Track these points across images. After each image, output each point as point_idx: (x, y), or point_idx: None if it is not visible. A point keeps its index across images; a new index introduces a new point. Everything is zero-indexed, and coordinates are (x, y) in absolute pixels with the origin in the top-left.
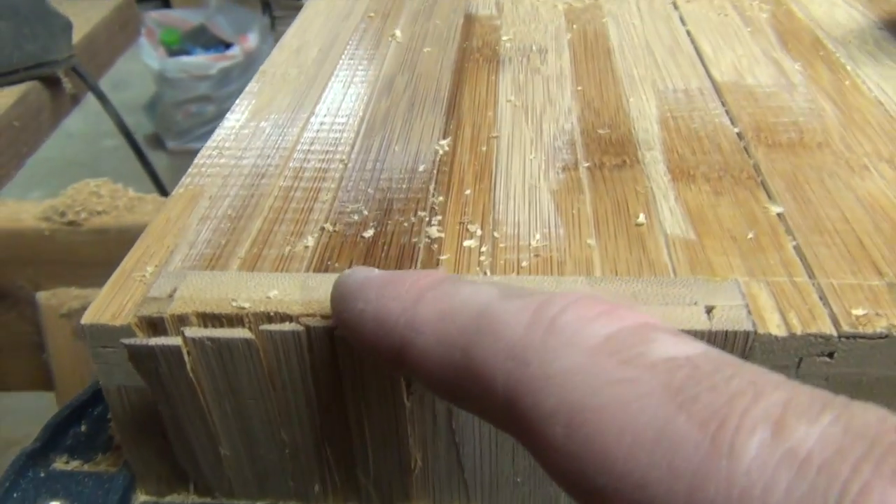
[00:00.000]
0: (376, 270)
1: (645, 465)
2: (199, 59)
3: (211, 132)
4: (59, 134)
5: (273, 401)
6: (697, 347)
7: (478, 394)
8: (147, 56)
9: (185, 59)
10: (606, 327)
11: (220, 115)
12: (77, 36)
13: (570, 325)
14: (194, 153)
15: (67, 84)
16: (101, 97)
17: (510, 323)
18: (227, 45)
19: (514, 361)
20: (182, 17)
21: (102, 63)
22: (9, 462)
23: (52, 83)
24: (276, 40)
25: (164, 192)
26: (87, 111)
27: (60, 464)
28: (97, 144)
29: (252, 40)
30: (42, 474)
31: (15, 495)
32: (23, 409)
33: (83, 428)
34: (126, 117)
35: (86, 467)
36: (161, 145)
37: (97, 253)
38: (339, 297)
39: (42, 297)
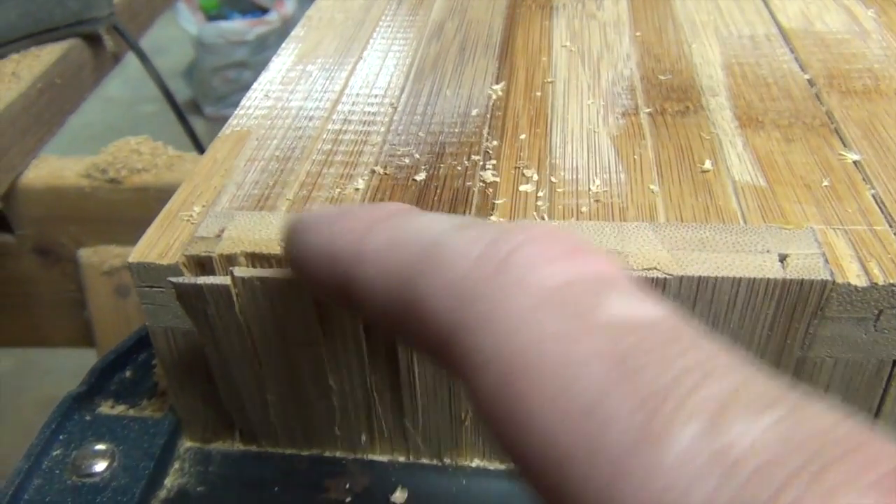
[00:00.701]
0: (332, 207)
1: (569, 441)
2: (237, 25)
3: None
4: (98, 99)
5: (322, 347)
6: (657, 311)
7: (418, 329)
8: (185, 21)
9: (222, 24)
10: (563, 273)
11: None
12: None
13: (524, 264)
14: None
15: (109, 42)
16: (142, 56)
17: (459, 255)
18: (265, 11)
19: (458, 299)
20: None
21: (142, 24)
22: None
23: (93, 41)
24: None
25: (202, 152)
26: (126, 76)
27: (106, 408)
28: (136, 109)
29: (289, 6)
30: (88, 418)
31: (61, 437)
32: (62, 368)
33: (128, 374)
34: (154, 82)
35: (131, 412)
36: (198, 111)
37: (138, 211)
38: (292, 231)
39: (84, 254)
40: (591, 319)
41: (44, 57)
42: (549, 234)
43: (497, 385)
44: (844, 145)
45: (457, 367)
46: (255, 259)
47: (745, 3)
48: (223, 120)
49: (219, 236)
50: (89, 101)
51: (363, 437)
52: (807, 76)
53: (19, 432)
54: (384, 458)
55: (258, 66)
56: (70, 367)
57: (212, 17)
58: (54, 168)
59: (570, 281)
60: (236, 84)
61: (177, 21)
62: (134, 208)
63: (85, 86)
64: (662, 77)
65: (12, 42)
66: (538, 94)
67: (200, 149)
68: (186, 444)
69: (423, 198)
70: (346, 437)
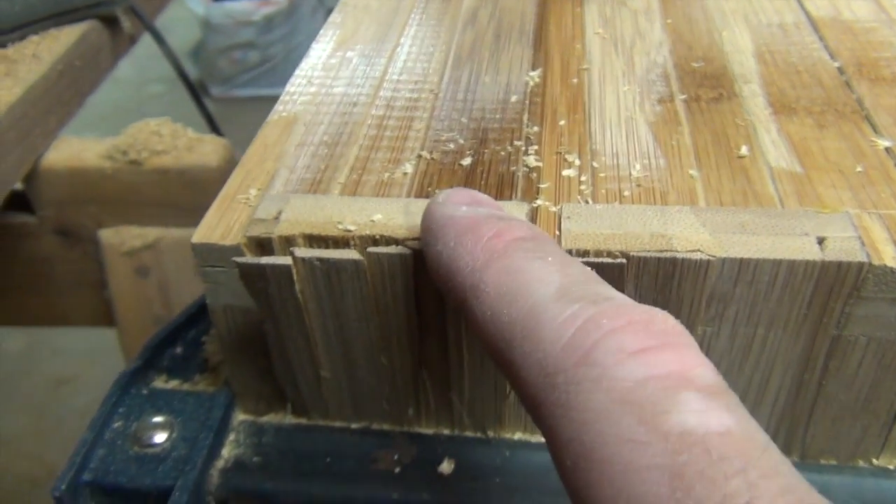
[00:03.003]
0: (463, 208)
1: None
2: (244, 5)
3: (255, 79)
4: (107, 79)
5: (375, 323)
6: (722, 422)
7: (512, 382)
8: (192, 1)
9: (229, 4)
10: (640, 370)
11: (263, 62)
12: None
13: (604, 360)
14: (238, 100)
15: (125, 23)
16: (158, 37)
17: (552, 336)
18: None
19: (547, 379)
20: None
21: (157, 4)
22: (60, 400)
23: (110, 22)
24: None
25: (218, 132)
26: (133, 56)
27: (160, 382)
28: (144, 90)
29: None
30: (144, 392)
31: (120, 410)
32: (73, 348)
33: (179, 350)
34: (170, 63)
35: (185, 387)
36: (205, 92)
37: (158, 192)
38: (425, 229)
39: (104, 234)
40: (659, 426)
41: (63, 38)
42: (636, 324)
43: (572, 468)
44: (876, 132)
45: (542, 432)
46: (313, 240)
47: None
48: (230, 100)
49: (276, 218)
50: None
51: (410, 411)
52: (836, 64)
53: (31, 411)
54: (430, 431)
55: (265, 47)
56: (80, 347)
57: None
58: (75, 149)
59: (646, 379)
60: (243, 65)
61: (183, 1)
62: (154, 190)
63: (102, 67)
64: (695, 64)
65: (32, 23)
66: (574, 80)
67: (215, 127)
68: (240, 416)
69: (470, 182)
70: (394, 411)
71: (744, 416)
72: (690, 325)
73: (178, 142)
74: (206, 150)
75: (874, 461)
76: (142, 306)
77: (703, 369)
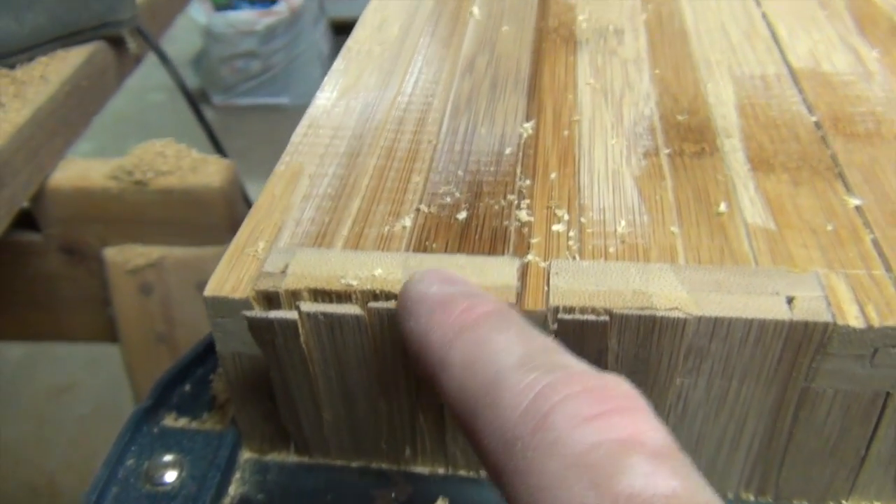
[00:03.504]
0: (436, 286)
1: None
2: (246, 15)
3: (256, 88)
4: None
5: (375, 371)
6: (669, 484)
7: (478, 452)
8: (194, 10)
9: (231, 14)
10: (593, 435)
11: (264, 71)
12: None
13: (560, 425)
14: (239, 109)
15: (131, 43)
16: (163, 57)
17: (511, 403)
18: (273, 1)
19: (506, 446)
20: None
21: (162, 23)
22: (60, 408)
23: (116, 43)
24: None
25: (221, 150)
26: None
27: (170, 420)
28: (144, 99)
29: None
30: (155, 430)
31: (133, 448)
32: (73, 356)
33: (187, 388)
34: (174, 82)
35: (194, 424)
36: (206, 100)
37: (162, 212)
38: (401, 307)
39: (109, 253)
40: (609, 490)
41: (70, 59)
42: (591, 390)
43: None
44: (847, 190)
45: (505, 498)
46: (317, 294)
47: (757, 41)
48: (231, 109)
49: (283, 272)
50: None
51: (407, 451)
52: (814, 118)
53: (32, 419)
54: (426, 471)
55: (266, 56)
56: (81, 355)
57: (221, 6)
58: (81, 169)
59: (598, 444)
60: (244, 73)
61: (185, 10)
62: (158, 209)
63: (109, 87)
64: (680, 117)
65: (40, 45)
66: (566, 132)
67: (219, 146)
68: (245, 454)
69: (465, 236)
70: (391, 451)
71: (691, 478)
72: (669, 377)
73: (183, 162)
74: (209, 170)
75: (843, 502)
76: (144, 323)
77: (654, 433)
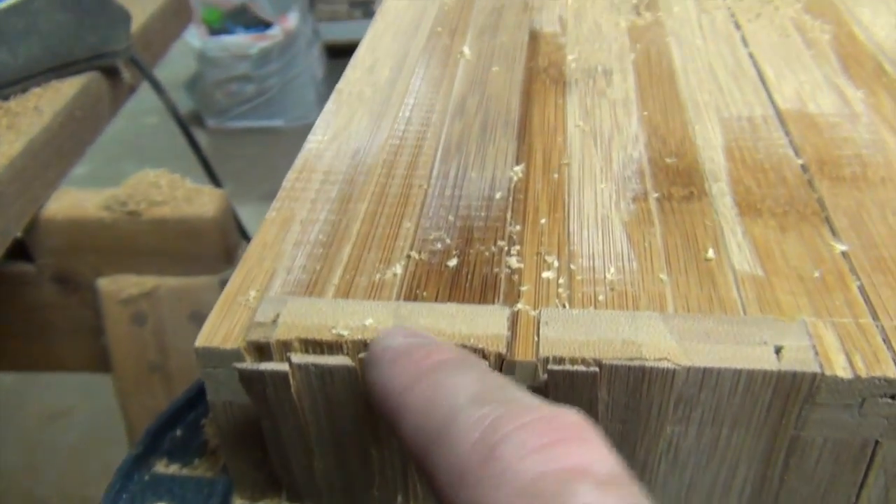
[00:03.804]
0: (399, 338)
1: None
2: (240, 39)
3: (250, 111)
4: None
5: (366, 419)
6: None
7: (434, 491)
8: (188, 34)
9: (225, 38)
10: (540, 465)
11: (258, 95)
12: (134, 26)
13: (508, 456)
14: (234, 132)
15: (126, 74)
16: (157, 87)
17: (462, 438)
18: (268, 25)
19: (458, 478)
20: None
21: (157, 52)
22: (52, 434)
23: (110, 73)
24: (316, 20)
25: (214, 178)
26: None
27: (161, 466)
28: (139, 121)
29: (292, 20)
30: (146, 477)
31: (124, 496)
32: (65, 382)
33: (179, 433)
34: (169, 112)
35: (185, 471)
36: (201, 123)
37: (156, 242)
38: (366, 362)
39: (102, 283)
40: None
41: (64, 90)
42: (540, 421)
43: None
44: (834, 234)
45: None
46: (308, 344)
47: (745, 81)
48: (225, 132)
49: (275, 322)
50: None
51: (399, 498)
52: (800, 161)
53: (23, 445)
54: None
55: (261, 80)
56: (73, 380)
57: (215, 31)
58: (75, 200)
59: (545, 474)
60: (239, 97)
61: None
62: (152, 239)
63: (103, 117)
64: (668, 160)
65: (35, 76)
66: (555, 176)
67: (213, 175)
68: (237, 501)
69: (456, 284)
70: (383, 498)
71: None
72: (660, 426)
73: (177, 192)
74: (203, 200)
75: None
76: (138, 353)
77: (603, 462)
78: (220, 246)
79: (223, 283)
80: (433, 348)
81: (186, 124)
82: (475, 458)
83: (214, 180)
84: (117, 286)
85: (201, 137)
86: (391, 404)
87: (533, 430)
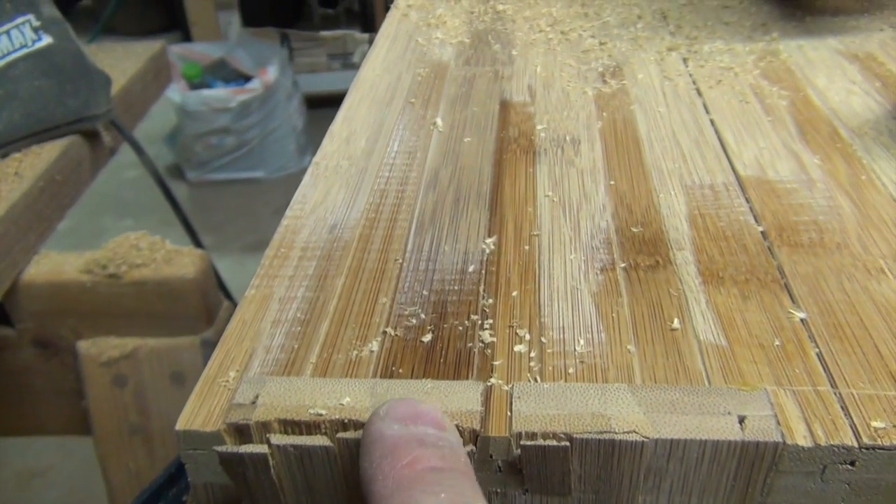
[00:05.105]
0: (395, 426)
1: None
2: (220, 92)
3: (231, 163)
4: None
5: (346, 496)
6: None
7: None
8: (168, 89)
9: (205, 92)
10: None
11: (239, 147)
12: (114, 88)
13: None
14: (214, 184)
15: (106, 136)
16: (138, 148)
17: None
18: (247, 78)
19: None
20: (203, 51)
21: (137, 113)
22: (32, 494)
23: (91, 136)
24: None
25: (195, 237)
26: None
27: None
28: (119, 175)
29: (271, 73)
30: None
31: None
32: (44, 440)
33: None
34: (147, 148)
35: None
36: (181, 176)
37: (137, 304)
38: (361, 444)
39: (82, 345)
40: None
41: (44, 155)
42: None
43: None
44: (793, 301)
45: None
46: (287, 424)
47: (706, 149)
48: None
49: (254, 402)
50: None
51: None
52: (760, 228)
53: None
54: None
55: (241, 132)
56: (53, 438)
57: (195, 85)
58: (55, 263)
59: None
60: (219, 150)
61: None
62: (132, 301)
63: (83, 180)
64: (635, 230)
65: (15, 142)
66: (526, 247)
67: (193, 233)
68: None
69: (430, 360)
70: None
71: None
72: (631, 496)
73: (157, 254)
74: (184, 261)
75: None
76: (118, 415)
77: None
78: (201, 306)
79: (205, 344)
80: (419, 453)
81: (167, 183)
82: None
83: (194, 238)
84: (98, 349)
85: (182, 190)
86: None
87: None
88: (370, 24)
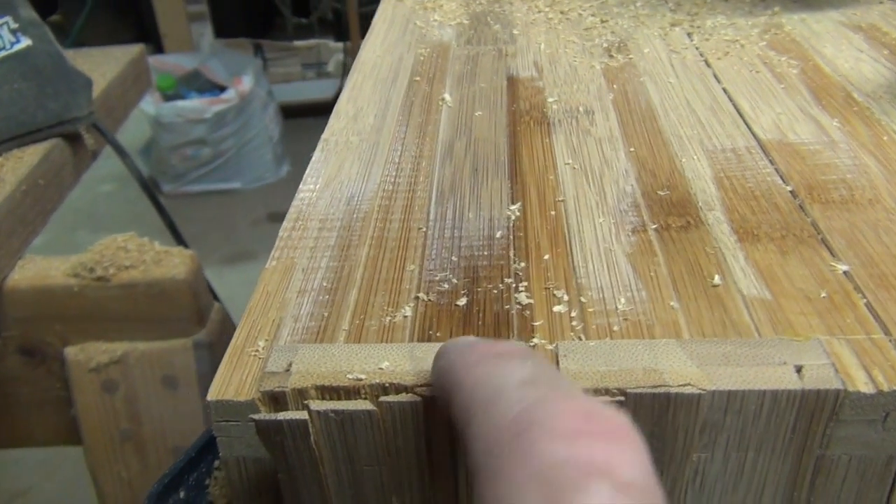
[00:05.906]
0: (471, 338)
1: None
2: (194, 103)
3: (207, 175)
4: None
5: (387, 466)
6: None
7: (465, 455)
8: (142, 101)
9: (180, 103)
10: (564, 451)
11: (215, 158)
12: (94, 92)
13: (537, 436)
14: (190, 196)
15: (88, 139)
16: (121, 151)
17: (502, 412)
18: (222, 89)
19: (490, 446)
20: (176, 62)
21: (118, 117)
22: None
23: (73, 139)
24: (270, 82)
25: (181, 239)
26: None
27: None
28: (94, 190)
29: (246, 83)
30: None
31: None
32: (27, 459)
33: (182, 495)
34: (134, 177)
35: None
36: (157, 189)
37: (126, 307)
38: (437, 354)
39: (70, 352)
40: None
41: (27, 158)
42: (578, 410)
43: None
44: (833, 255)
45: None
46: (324, 391)
47: (723, 115)
48: (182, 197)
49: (288, 370)
50: None
51: None
52: (789, 188)
53: None
54: None
55: (216, 143)
56: (35, 457)
57: (169, 97)
58: (40, 268)
59: (566, 461)
60: (195, 161)
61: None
62: (121, 305)
63: (66, 184)
64: (661, 193)
65: None
66: (552, 212)
67: (179, 237)
68: None
69: (468, 323)
70: None
71: None
72: (686, 453)
73: (146, 256)
74: (174, 262)
75: None
76: (109, 422)
77: (630, 467)
78: (193, 307)
79: (197, 346)
80: (499, 343)
81: (150, 187)
82: (508, 432)
83: (180, 241)
84: (86, 354)
85: None
86: (451, 379)
87: (569, 417)
88: (344, 33)
